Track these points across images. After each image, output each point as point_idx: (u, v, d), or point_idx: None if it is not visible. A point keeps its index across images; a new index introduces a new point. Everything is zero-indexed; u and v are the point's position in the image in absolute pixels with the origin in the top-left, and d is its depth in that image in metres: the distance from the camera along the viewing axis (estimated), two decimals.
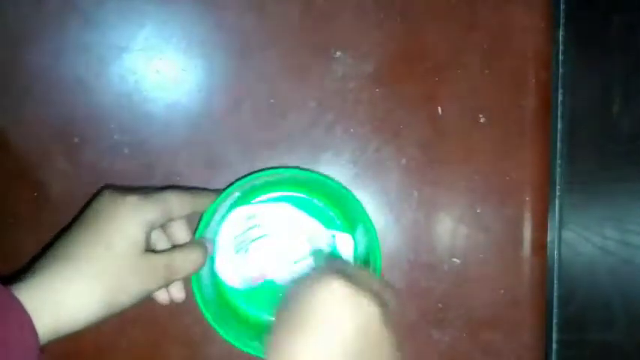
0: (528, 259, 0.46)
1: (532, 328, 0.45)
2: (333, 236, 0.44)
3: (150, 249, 0.37)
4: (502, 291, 0.45)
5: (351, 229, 0.44)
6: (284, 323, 0.30)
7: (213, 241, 0.42)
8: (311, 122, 0.46)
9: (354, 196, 0.41)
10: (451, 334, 0.45)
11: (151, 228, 0.35)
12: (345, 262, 0.43)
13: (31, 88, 0.45)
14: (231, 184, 0.41)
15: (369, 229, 0.40)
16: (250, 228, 0.44)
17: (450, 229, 0.46)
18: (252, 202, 0.44)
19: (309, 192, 0.44)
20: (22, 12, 0.45)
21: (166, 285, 0.36)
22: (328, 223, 0.44)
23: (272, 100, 0.46)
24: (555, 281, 0.45)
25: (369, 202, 0.45)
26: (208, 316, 0.39)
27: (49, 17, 0.45)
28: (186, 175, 0.45)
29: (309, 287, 0.30)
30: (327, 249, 0.44)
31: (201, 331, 0.45)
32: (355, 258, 0.44)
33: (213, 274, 0.43)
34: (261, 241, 0.44)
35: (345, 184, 0.46)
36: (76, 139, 0.45)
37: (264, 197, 0.44)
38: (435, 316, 0.45)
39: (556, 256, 0.45)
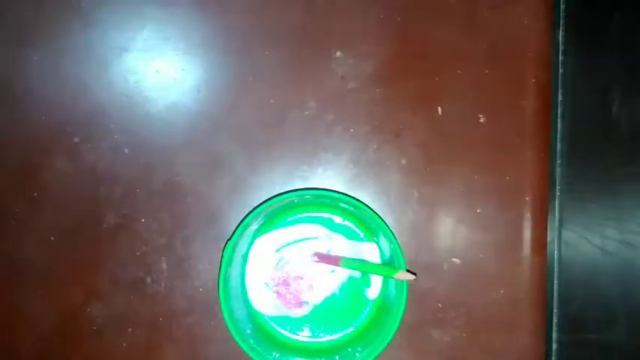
0: (528, 259, 0.46)
1: (532, 328, 0.45)
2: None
3: None
4: (502, 291, 0.45)
5: (373, 237, 0.44)
6: None
7: (241, 280, 0.43)
8: (311, 122, 0.46)
9: (365, 206, 0.41)
10: (451, 334, 0.45)
11: None
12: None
13: (31, 88, 0.45)
14: (243, 219, 0.41)
15: (389, 236, 0.41)
16: (280, 256, 0.44)
17: (450, 229, 0.46)
18: (274, 229, 0.44)
19: (325, 209, 0.44)
20: (22, 12, 0.45)
21: None
22: (351, 235, 0.44)
23: (272, 100, 0.46)
24: (555, 281, 0.45)
25: (370, 202, 0.46)
26: (244, 347, 0.40)
27: (50, 18, 0.45)
28: (187, 175, 0.45)
29: None
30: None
31: (202, 332, 0.45)
32: (382, 262, 0.44)
33: (248, 305, 0.44)
34: (291, 266, 0.44)
35: (345, 184, 0.46)
36: (76, 139, 0.45)
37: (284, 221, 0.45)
38: (435, 316, 0.45)
39: (556, 256, 0.45)
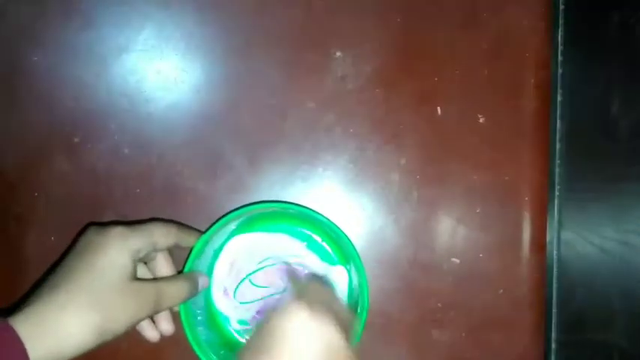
0: (528, 259, 0.46)
1: (532, 328, 0.45)
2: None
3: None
4: (501, 291, 0.45)
5: (345, 262, 0.44)
6: (252, 349, 0.31)
7: (208, 274, 0.43)
8: (311, 122, 0.46)
9: (344, 235, 0.41)
10: (451, 334, 0.45)
11: (138, 256, 0.36)
12: (313, 284, 0.43)
13: (32, 88, 0.45)
14: (222, 216, 0.41)
15: (359, 269, 0.40)
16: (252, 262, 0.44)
17: (450, 229, 0.46)
18: (252, 232, 0.44)
19: (306, 226, 0.44)
20: (23, 12, 0.45)
21: (154, 313, 0.36)
22: (324, 257, 0.44)
23: (272, 100, 0.46)
24: (555, 281, 0.45)
25: (369, 202, 0.46)
26: (192, 342, 0.40)
27: (50, 18, 0.45)
28: (187, 175, 0.45)
29: (272, 315, 0.31)
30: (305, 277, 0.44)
31: None
32: (349, 291, 0.44)
33: (209, 304, 0.44)
34: (260, 274, 0.44)
35: (345, 184, 0.46)
36: (76, 139, 0.45)
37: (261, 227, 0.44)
38: (435, 316, 0.45)
39: (555, 256, 0.45)
